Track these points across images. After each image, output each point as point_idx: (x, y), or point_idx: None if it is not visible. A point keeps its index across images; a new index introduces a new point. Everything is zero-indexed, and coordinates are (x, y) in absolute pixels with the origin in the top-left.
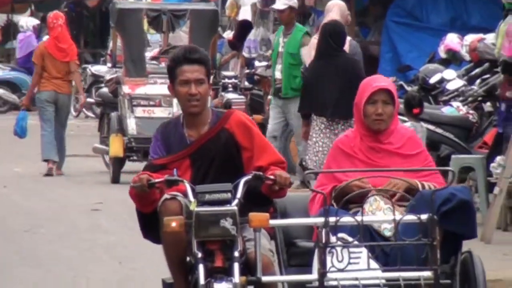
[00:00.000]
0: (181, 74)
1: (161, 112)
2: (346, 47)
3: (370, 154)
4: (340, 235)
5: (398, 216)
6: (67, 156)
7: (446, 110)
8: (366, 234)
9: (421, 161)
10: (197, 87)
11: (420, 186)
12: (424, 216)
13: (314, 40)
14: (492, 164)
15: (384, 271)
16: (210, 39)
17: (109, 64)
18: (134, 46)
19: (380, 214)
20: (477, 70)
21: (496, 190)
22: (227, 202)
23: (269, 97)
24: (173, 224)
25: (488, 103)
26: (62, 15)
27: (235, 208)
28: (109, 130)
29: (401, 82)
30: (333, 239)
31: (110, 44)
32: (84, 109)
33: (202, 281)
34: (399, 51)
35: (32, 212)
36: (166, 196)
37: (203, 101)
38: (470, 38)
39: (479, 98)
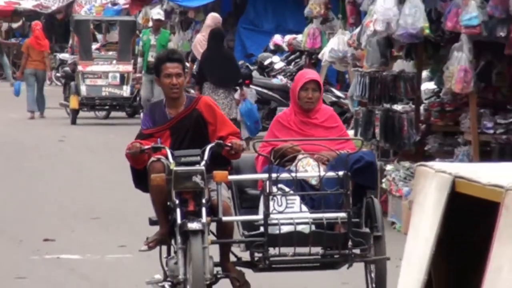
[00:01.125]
0: (165, 69)
1: (101, 82)
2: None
3: (302, 126)
4: (280, 186)
5: (322, 172)
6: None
7: (274, 81)
8: (298, 185)
9: (338, 131)
10: (177, 79)
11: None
12: (341, 173)
13: (201, 37)
14: None
15: (311, 213)
16: (131, 38)
17: (69, 54)
18: (85, 42)
19: (309, 169)
20: (292, 57)
21: None
22: (197, 163)
23: (141, 74)
24: (157, 179)
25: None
26: (40, 23)
27: (203, 168)
28: (69, 93)
29: (247, 64)
30: (274, 189)
31: (70, 41)
32: (54, 80)
33: (179, 220)
34: (246, 45)
35: (22, 141)
36: (153, 158)
37: (181, 89)
38: (288, 37)
39: (294, 73)
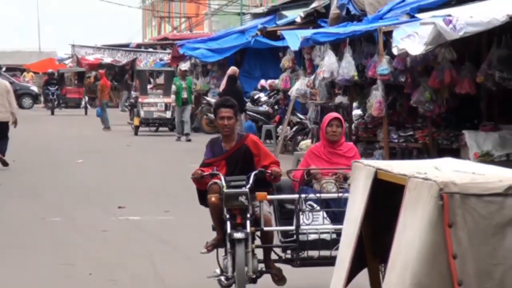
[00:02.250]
0: (220, 113)
1: (153, 108)
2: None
3: (329, 155)
4: (309, 203)
5: (339, 194)
6: (115, 125)
7: (261, 108)
8: (324, 202)
9: (355, 159)
10: (228, 121)
11: None
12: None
13: (224, 81)
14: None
15: (333, 224)
16: (171, 82)
17: (133, 91)
18: (143, 83)
19: (331, 186)
20: (272, 93)
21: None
22: (243, 186)
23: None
24: (213, 198)
25: (276, 106)
26: (103, 71)
27: (247, 190)
28: (133, 115)
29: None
30: (304, 206)
31: (134, 83)
32: (123, 107)
33: (228, 231)
34: (243, 86)
35: (104, 144)
36: (211, 182)
37: (231, 128)
38: (269, 81)
39: (273, 104)
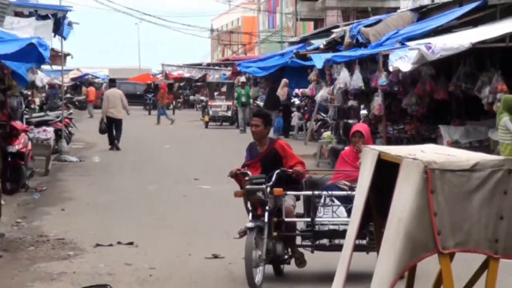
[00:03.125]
0: (251, 121)
1: (218, 109)
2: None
3: (355, 160)
4: (329, 198)
5: (349, 192)
6: (192, 121)
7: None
8: (342, 198)
9: None
10: (255, 128)
11: None
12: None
13: (280, 90)
14: None
15: (343, 218)
16: (232, 90)
17: (204, 96)
18: (211, 91)
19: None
20: (303, 99)
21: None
22: (262, 183)
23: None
24: (238, 193)
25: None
26: (164, 84)
27: (264, 186)
28: (204, 114)
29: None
30: (320, 201)
31: (205, 91)
32: (197, 108)
33: (250, 218)
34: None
35: (180, 135)
36: (244, 179)
37: (258, 134)
38: (301, 90)
39: (304, 107)
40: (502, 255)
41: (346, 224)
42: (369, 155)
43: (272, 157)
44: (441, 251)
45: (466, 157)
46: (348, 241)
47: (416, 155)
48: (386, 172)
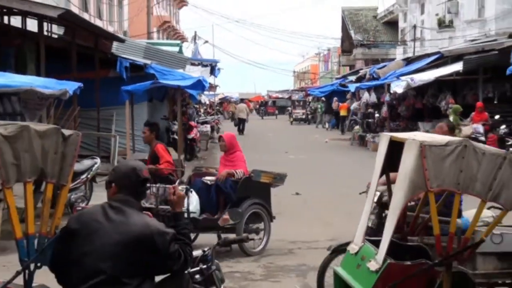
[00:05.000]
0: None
1: (298, 115)
2: None
3: (224, 160)
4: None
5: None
6: (282, 121)
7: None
8: (204, 190)
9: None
10: (144, 134)
11: None
12: None
13: (333, 104)
14: None
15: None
16: (304, 104)
17: (289, 107)
18: (294, 105)
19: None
20: None
21: None
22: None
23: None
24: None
25: None
26: (248, 102)
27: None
28: (290, 117)
29: None
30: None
31: (291, 106)
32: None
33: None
34: None
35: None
36: None
37: (146, 139)
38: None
39: None
40: (462, 191)
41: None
42: (384, 138)
43: (154, 155)
44: (429, 189)
45: (441, 138)
46: (370, 197)
47: (414, 137)
48: (392, 147)
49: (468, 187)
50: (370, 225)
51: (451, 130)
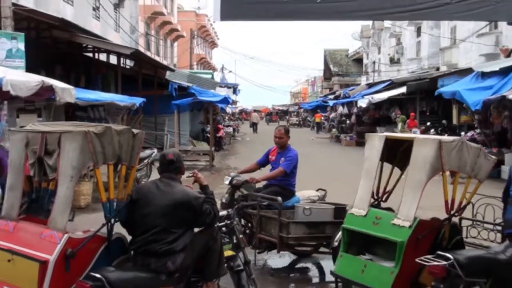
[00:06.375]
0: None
1: (294, 122)
2: None
3: None
4: None
5: None
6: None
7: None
8: None
9: None
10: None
11: None
12: None
13: (316, 115)
14: None
15: None
16: (299, 115)
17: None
18: (290, 114)
19: None
20: None
21: None
22: None
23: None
24: None
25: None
26: (257, 113)
27: None
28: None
29: None
30: None
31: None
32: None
33: None
34: None
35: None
36: None
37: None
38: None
39: None
40: (460, 171)
41: None
42: (376, 137)
43: None
44: (445, 171)
45: (447, 137)
46: (368, 176)
47: (428, 136)
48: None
49: (463, 169)
50: (223, 201)
51: (286, 132)
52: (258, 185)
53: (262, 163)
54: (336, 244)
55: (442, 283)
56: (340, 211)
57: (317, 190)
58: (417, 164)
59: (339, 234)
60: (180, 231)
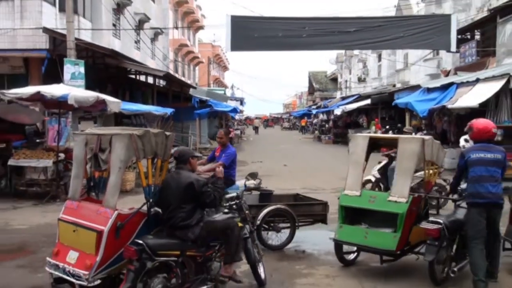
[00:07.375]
0: None
1: (286, 126)
2: None
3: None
4: None
5: None
6: (277, 130)
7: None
8: None
9: None
10: None
11: None
12: None
13: (302, 120)
14: None
15: None
16: (290, 120)
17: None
18: (284, 121)
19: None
20: None
21: None
22: None
23: None
24: None
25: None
26: (265, 117)
27: None
28: (281, 127)
29: None
30: None
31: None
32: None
33: None
34: None
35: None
36: None
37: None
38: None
39: None
40: (431, 160)
41: None
42: (360, 137)
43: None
44: (426, 160)
45: (425, 136)
46: (356, 166)
47: (411, 136)
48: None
49: (432, 158)
50: None
51: (226, 134)
52: (204, 176)
53: (210, 159)
54: (258, 222)
55: (437, 241)
56: (265, 196)
57: (254, 180)
58: (405, 156)
59: (262, 214)
60: (189, 207)
